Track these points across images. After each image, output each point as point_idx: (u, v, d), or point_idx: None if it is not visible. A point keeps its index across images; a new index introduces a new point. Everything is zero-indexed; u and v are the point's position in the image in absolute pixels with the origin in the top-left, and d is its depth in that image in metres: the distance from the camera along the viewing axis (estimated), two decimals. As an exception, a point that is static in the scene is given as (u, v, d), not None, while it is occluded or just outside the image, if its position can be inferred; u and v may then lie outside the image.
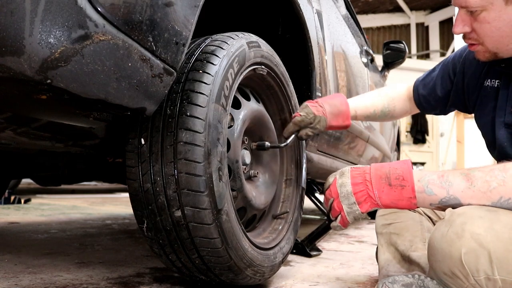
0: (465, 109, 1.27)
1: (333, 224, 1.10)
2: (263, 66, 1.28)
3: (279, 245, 1.31)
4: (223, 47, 1.09)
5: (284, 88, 1.41)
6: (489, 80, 1.14)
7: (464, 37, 1.06)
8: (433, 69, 1.36)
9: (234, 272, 1.09)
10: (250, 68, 1.20)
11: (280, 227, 1.39)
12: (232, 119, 1.18)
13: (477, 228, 0.87)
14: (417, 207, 0.99)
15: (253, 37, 1.23)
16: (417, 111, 1.43)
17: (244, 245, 1.10)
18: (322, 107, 1.34)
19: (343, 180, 1.04)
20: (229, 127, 1.16)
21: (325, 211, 1.13)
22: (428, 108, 1.37)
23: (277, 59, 1.36)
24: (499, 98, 1.11)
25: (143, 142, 1.01)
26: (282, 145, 1.33)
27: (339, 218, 1.06)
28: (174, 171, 0.97)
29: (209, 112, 0.99)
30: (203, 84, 1.00)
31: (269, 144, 1.29)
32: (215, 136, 1.00)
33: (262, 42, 1.28)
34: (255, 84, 1.35)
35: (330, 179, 1.09)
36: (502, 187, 0.90)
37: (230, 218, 1.04)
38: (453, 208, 0.93)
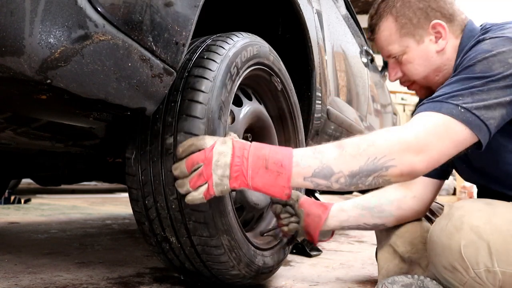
0: None
1: (191, 195, 0.91)
2: (275, 77, 1.33)
3: (263, 252, 1.21)
4: (229, 42, 1.11)
5: (295, 119, 1.46)
6: None
7: (401, 82, 1.19)
8: None
9: (209, 230, 0.99)
10: (251, 68, 1.20)
11: (270, 240, 1.33)
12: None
13: (475, 220, 0.88)
14: (288, 198, 0.93)
15: (257, 39, 1.24)
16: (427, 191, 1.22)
17: (228, 211, 1.03)
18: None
19: (225, 149, 0.91)
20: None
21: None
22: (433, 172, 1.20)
23: (290, 83, 1.43)
24: None
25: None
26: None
27: (202, 188, 0.91)
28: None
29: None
30: (204, 81, 1.01)
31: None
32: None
33: (272, 50, 1.32)
34: (271, 104, 1.40)
35: (208, 141, 0.93)
36: (371, 148, 0.89)
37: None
38: (326, 178, 0.90)
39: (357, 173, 0.89)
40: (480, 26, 1.10)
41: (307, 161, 0.91)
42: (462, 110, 0.90)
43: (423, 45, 1.10)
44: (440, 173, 1.17)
